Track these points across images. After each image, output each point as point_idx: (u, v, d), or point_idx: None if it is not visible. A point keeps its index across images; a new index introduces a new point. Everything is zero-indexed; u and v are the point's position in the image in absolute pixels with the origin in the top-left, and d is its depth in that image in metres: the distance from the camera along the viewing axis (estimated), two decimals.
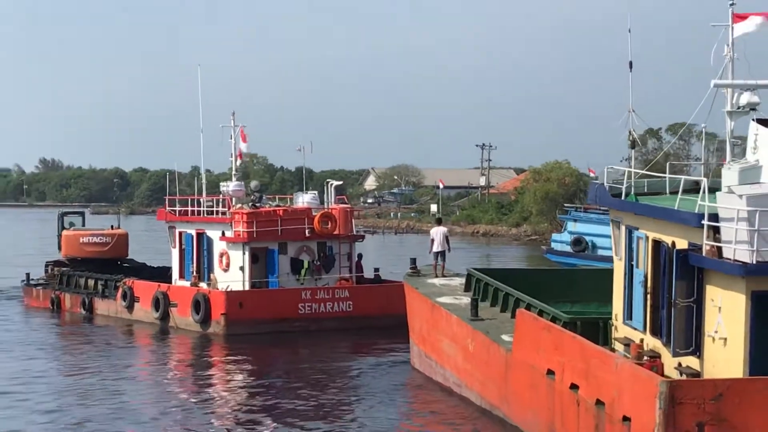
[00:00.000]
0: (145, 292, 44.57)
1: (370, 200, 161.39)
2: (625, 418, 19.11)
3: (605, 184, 24.05)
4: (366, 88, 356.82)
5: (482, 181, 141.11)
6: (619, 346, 23.09)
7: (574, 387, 21.29)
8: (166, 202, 47.32)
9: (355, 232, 45.10)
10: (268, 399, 28.98)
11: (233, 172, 46.70)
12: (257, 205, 43.85)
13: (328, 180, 48.62)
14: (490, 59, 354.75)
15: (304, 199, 45.82)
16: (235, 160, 46.62)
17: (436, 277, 34.49)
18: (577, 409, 21.05)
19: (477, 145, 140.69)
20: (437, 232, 36.03)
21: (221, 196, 45.14)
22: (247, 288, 41.94)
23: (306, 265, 42.93)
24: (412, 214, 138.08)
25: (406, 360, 33.77)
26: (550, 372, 22.39)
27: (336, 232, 43.39)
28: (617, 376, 19.68)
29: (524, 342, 23.93)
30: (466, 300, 29.35)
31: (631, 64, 23.52)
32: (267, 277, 42.54)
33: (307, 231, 42.83)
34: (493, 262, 78.01)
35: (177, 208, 46.38)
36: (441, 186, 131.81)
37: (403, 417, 26.65)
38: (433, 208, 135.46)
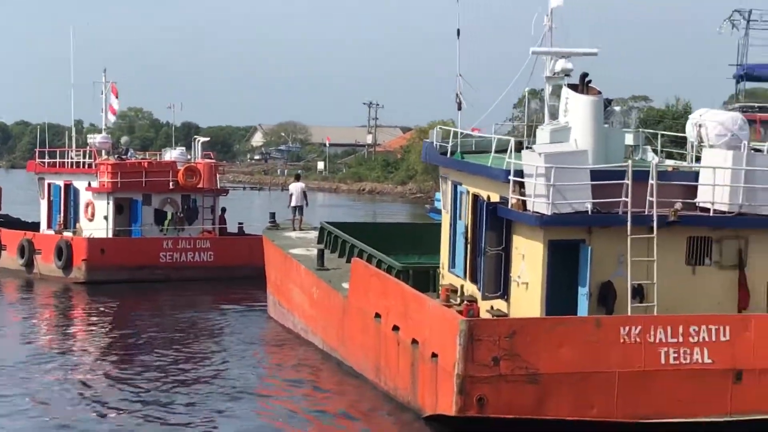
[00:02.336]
0: (12, 240, 45.36)
1: (257, 157, 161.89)
2: (434, 355, 20.94)
3: (435, 143, 25.80)
4: (254, 45, 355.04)
5: (369, 139, 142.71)
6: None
7: (395, 328, 23.08)
8: (36, 154, 48.07)
9: (219, 187, 46.48)
10: (126, 352, 29.34)
11: (104, 127, 47.85)
12: (123, 157, 45.03)
13: (195, 136, 49.90)
14: (376, 19, 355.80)
15: (171, 155, 47.22)
16: (106, 115, 47.67)
17: (294, 230, 36.18)
18: (398, 349, 22.86)
19: (364, 103, 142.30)
20: (296, 187, 38.00)
21: (89, 148, 46.16)
22: (110, 236, 43.15)
23: (169, 216, 44.31)
24: (299, 171, 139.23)
25: (264, 309, 35.31)
26: (377, 315, 24.15)
27: (200, 186, 44.79)
28: (428, 317, 21.52)
29: (357, 288, 25.66)
30: (316, 252, 31.00)
31: (458, 31, 25.23)
32: (131, 226, 43.80)
33: (171, 183, 44.15)
34: (378, 218, 79.66)
35: (46, 160, 47.23)
36: (328, 143, 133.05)
37: (256, 365, 27.65)
38: (320, 165, 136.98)
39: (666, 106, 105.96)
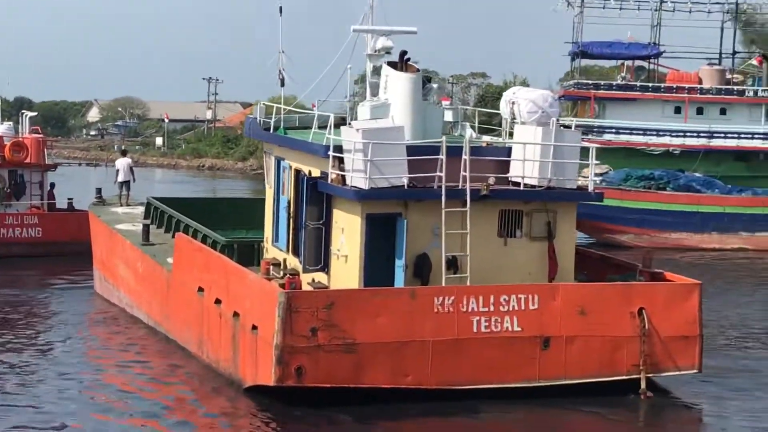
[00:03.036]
0: None
1: (93, 132, 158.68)
2: (254, 327, 21.31)
3: (258, 118, 26.08)
4: (90, 19, 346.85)
5: (209, 115, 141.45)
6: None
7: (218, 302, 23.35)
8: None
9: (47, 162, 45.79)
10: None
11: None
12: None
13: (22, 111, 49.03)
14: None
15: None
16: None
17: (121, 206, 36.05)
18: (220, 321, 23.15)
19: (204, 78, 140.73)
20: (122, 163, 37.97)
21: None
22: None
23: None
24: (137, 147, 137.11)
25: (91, 285, 35.04)
26: (200, 289, 24.37)
27: (28, 161, 44.08)
28: (249, 290, 21.87)
29: (181, 263, 25.82)
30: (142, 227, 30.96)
31: (281, 9, 25.54)
32: None
33: None
34: (218, 195, 79.13)
35: None
36: (166, 119, 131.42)
37: (80, 343, 27.34)
38: (159, 141, 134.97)
39: (504, 83, 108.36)
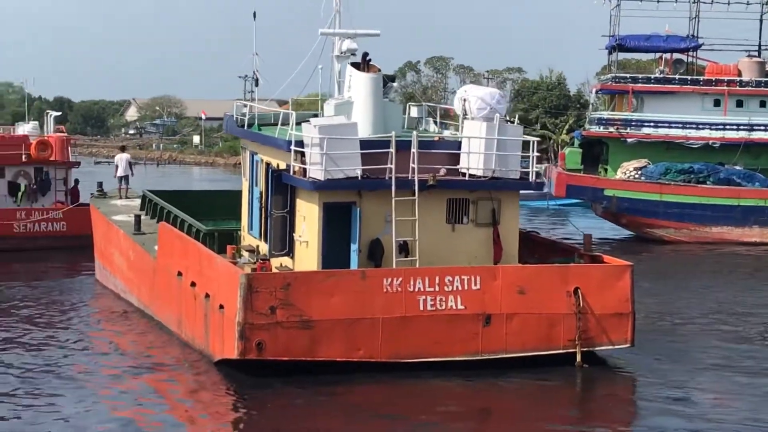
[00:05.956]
0: None
1: (131, 131, 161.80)
2: (221, 306, 23.47)
3: (234, 115, 28.24)
4: (128, 19, 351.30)
5: None
6: (244, 253, 27.40)
7: (193, 284, 25.55)
8: None
9: (71, 159, 48.31)
10: None
11: None
12: None
13: (47, 111, 51.61)
14: None
15: (24, 128, 48.92)
16: None
17: (120, 198, 38.50)
18: (194, 303, 25.34)
19: (239, 77, 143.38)
20: (121, 158, 40.52)
21: None
22: None
23: (23, 188, 46.03)
24: (175, 146, 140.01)
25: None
26: (179, 273, 26.58)
27: (52, 159, 46.59)
28: (217, 272, 24.05)
29: (164, 250, 28.07)
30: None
31: (254, 14, 27.66)
32: None
33: (24, 156, 45.87)
34: None
35: None
36: (203, 117, 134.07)
37: (81, 323, 29.63)
38: (196, 139, 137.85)
39: (540, 78, 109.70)
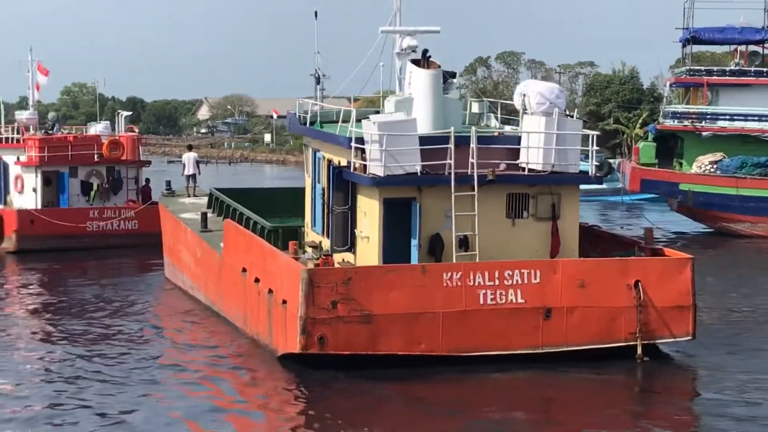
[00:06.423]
0: None
1: (203, 130, 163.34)
2: (284, 301, 23.88)
3: (297, 113, 28.64)
4: (199, 19, 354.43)
5: None
6: (308, 249, 27.81)
7: (257, 280, 25.99)
8: None
9: (142, 159, 49.21)
10: (53, 319, 30.44)
11: (31, 103, 50.48)
12: (50, 132, 47.79)
13: (118, 111, 52.59)
14: None
15: (96, 129, 49.92)
16: (33, 92, 50.33)
17: (188, 197, 39.18)
18: (258, 298, 25.78)
19: (311, 75, 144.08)
20: (188, 157, 41.28)
21: (17, 124, 48.87)
22: (39, 208, 45.89)
23: (95, 187, 47.00)
24: (246, 144, 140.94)
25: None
26: (244, 270, 27.03)
27: (123, 158, 47.52)
28: (280, 268, 24.45)
29: (229, 247, 28.58)
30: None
31: (316, 13, 28.05)
32: (58, 198, 46.56)
33: (96, 156, 46.83)
34: None
35: None
36: (275, 116, 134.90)
37: (149, 320, 30.30)
38: (267, 137, 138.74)
39: (612, 72, 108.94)
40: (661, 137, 56.92)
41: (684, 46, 60.29)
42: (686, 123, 55.60)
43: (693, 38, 58.60)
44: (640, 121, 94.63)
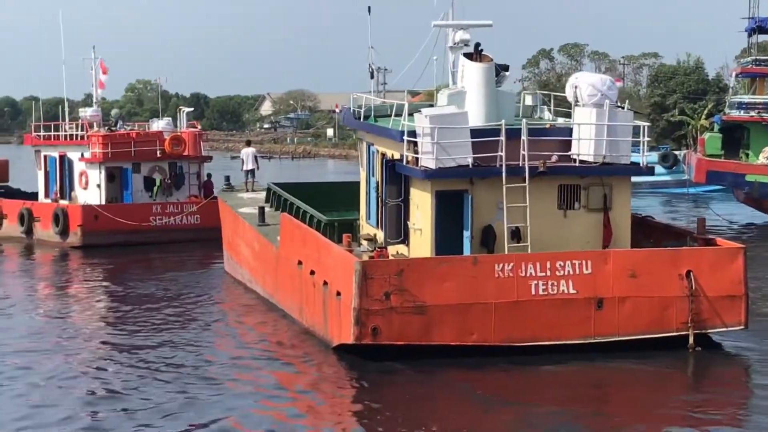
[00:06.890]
0: (12, 210, 49.06)
1: (266, 126, 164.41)
2: (338, 293, 24.26)
3: (351, 108, 29.03)
4: (261, 16, 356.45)
5: None
6: (363, 242, 28.17)
7: (312, 273, 26.41)
8: (32, 128, 51.73)
9: (203, 154, 49.95)
10: (119, 313, 31.04)
11: (95, 101, 51.44)
12: (113, 129, 48.63)
13: (180, 107, 53.38)
14: None
15: (158, 125, 50.79)
16: (96, 89, 51.32)
17: (247, 191, 39.78)
18: (314, 290, 26.20)
19: (369, 70, 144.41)
20: (246, 152, 41.95)
21: (81, 121, 49.86)
22: (103, 203, 46.80)
23: (158, 183, 47.82)
24: (309, 139, 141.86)
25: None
26: (299, 263, 27.48)
27: (185, 154, 48.30)
28: (334, 260, 24.85)
29: (285, 240, 29.04)
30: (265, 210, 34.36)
31: (369, 9, 28.42)
32: (122, 193, 47.45)
33: (158, 152, 47.66)
34: None
35: (42, 134, 50.89)
36: (337, 110, 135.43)
37: (208, 313, 30.79)
38: (330, 132, 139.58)
39: (677, 62, 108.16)
40: (727, 128, 56.47)
41: (750, 36, 59.88)
42: (752, 113, 55.14)
43: (759, 28, 58.13)
44: (705, 112, 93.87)
